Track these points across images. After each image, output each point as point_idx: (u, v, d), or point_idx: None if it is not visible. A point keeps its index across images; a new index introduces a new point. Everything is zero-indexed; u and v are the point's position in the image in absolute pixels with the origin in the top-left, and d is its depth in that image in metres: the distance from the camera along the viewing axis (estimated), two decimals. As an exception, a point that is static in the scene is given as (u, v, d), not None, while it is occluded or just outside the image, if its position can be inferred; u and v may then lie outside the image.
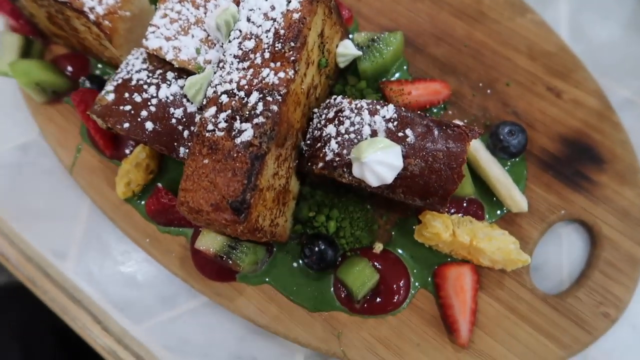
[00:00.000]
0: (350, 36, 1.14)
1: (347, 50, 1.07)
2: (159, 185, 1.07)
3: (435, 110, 1.13)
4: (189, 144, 0.98)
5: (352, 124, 0.93)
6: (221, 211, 0.85)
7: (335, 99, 0.99)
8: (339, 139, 0.93)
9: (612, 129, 1.10)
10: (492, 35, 1.19)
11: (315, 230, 1.05)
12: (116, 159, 1.15)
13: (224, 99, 0.90)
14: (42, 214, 1.20)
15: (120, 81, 1.01)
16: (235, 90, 0.90)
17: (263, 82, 0.89)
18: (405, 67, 1.17)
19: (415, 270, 1.04)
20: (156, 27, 0.97)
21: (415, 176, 0.90)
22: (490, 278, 1.03)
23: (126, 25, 1.06)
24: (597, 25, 1.25)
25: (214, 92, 0.92)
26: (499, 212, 1.06)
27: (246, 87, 0.90)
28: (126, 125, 0.97)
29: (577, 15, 1.26)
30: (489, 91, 1.14)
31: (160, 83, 0.99)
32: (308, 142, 0.99)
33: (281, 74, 0.89)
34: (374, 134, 0.92)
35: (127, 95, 0.99)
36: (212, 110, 0.90)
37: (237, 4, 0.99)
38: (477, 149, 1.04)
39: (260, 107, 0.88)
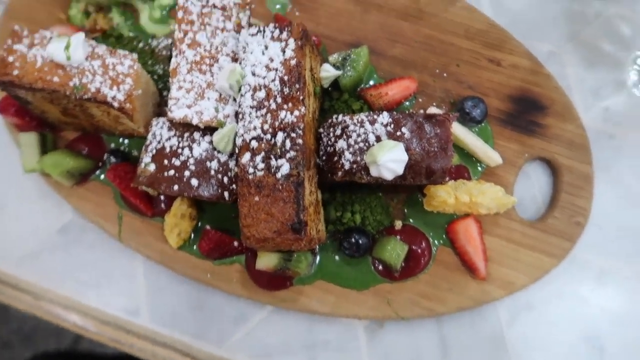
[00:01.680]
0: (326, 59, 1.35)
1: (328, 73, 1.28)
2: (207, 227, 1.25)
3: (407, 103, 1.37)
4: (232, 187, 1.16)
5: (358, 135, 1.15)
6: (284, 234, 1.06)
7: (337, 117, 1.21)
8: (351, 149, 1.15)
9: (545, 80, 1.38)
10: (434, 27, 1.43)
11: (345, 225, 1.28)
12: (158, 216, 1.31)
13: (254, 144, 1.10)
14: (102, 281, 1.35)
15: (154, 152, 1.17)
16: (261, 135, 1.10)
17: (283, 122, 1.09)
18: (374, 74, 1.40)
19: (431, 233, 1.29)
20: (176, 99, 1.14)
21: (418, 162, 1.14)
22: (489, 221, 1.30)
23: (139, 102, 1.22)
24: (510, -4, 1.52)
25: (243, 140, 1.11)
26: (480, 169, 1.33)
27: (270, 130, 1.10)
28: (175, 187, 1.14)
29: (492, -8, 1.53)
30: (445, 75, 1.39)
31: (191, 144, 1.16)
32: (323, 158, 1.21)
33: (296, 112, 1.09)
34: (378, 138, 1.14)
35: (166, 162, 1.16)
36: (247, 156, 1.10)
37: (235, 61, 1.17)
38: (454, 126, 1.29)
39: (288, 144, 1.08)
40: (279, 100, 1.10)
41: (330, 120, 1.22)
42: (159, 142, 1.18)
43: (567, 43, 1.47)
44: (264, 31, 1.14)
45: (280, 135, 1.09)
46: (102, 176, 1.35)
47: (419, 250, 1.27)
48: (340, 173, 1.17)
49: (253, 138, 1.10)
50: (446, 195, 1.21)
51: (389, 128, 1.15)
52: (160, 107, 1.38)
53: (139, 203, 1.29)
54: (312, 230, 1.12)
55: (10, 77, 1.12)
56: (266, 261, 1.20)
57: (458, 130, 1.30)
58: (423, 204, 1.29)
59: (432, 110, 1.32)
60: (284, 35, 1.13)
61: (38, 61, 1.13)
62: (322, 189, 1.29)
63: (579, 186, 1.32)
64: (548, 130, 1.35)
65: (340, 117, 1.20)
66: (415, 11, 1.45)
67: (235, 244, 1.26)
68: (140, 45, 1.44)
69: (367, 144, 1.14)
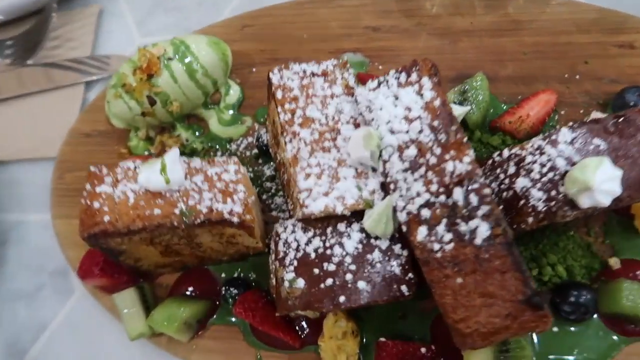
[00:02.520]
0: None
1: (457, 112, 1.06)
2: (381, 339, 0.96)
3: (550, 118, 1.14)
4: (408, 277, 0.89)
5: (542, 165, 0.90)
6: (521, 315, 0.77)
7: (499, 154, 0.96)
8: (538, 185, 0.89)
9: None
10: (538, 33, 1.24)
11: (548, 284, 0.99)
12: (308, 344, 1.02)
13: (426, 213, 0.84)
14: None
15: (296, 263, 0.91)
16: (432, 199, 0.85)
17: (454, 175, 0.84)
18: (495, 102, 1.18)
19: (658, 262, 1.00)
20: (308, 190, 0.90)
21: (630, 175, 0.88)
22: None
23: (255, 208, 0.98)
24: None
25: (408, 213, 0.86)
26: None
27: (440, 189, 0.84)
28: (342, 298, 0.86)
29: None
30: (577, 77, 1.18)
31: (339, 239, 0.91)
32: (501, 207, 0.95)
33: (466, 159, 0.85)
34: (569, 161, 0.89)
35: (317, 271, 0.89)
36: (422, 230, 0.84)
37: (358, 126, 0.95)
38: None
39: (474, 198, 0.82)
40: (437, 151, 0.86)
41: (491, 161, 0.98)
42: (297, 250, 0.93)
43: (688, 5, 1.27)
44: (387, 81, 0.93)
45: (458, 192, 0.83)
46: (220, 316, 1.08)
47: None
48: (531, 219, 0.90)
49: (421, 206, 0.85)
50: (670, 206, 0.93)
51: (577, 145, 0.90)
52: (264, 214, 1.15)
53: (283, 335, 1.00)
54: (538, 300, 0.83)
55: (101, 226, 0.89)
56: (478, 362, 0.89)
57: None
58: (628, 224, 1.01)
59: (596, 115, 1.08)
60: (414, 77, 0.91)
61: (130, 198, 0.91)
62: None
63: None
64: None
65: (505, 152, 0.96)
66: (509, 24, 1.27)
67: (423, 350, 0.96)
68: (219, 154, 1.23)
69: (556, 172, 0.89)
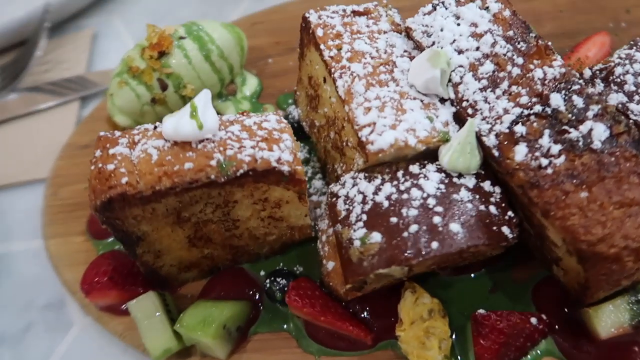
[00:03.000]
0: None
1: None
2: (480, 311, 0.75)
3: (608, 62, 1.03)
4: (507, 216, 0.71)
5: (636, 74, 0.77)
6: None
7: (580, 76, 0.84)
8: (637, 97, 0.76)
9: None
10: (570, -9, 1.18)
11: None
12: (383, 340, 0.80)
13: (521, 129, 0.69)
14: None
15: (365, 217, 0.73)
16: (525, 112, 0.70)
17: (547, 82, 0.71)
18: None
19: None
20: (370, 125, 0.74)
21: None
22: None
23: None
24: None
25: (497, 135, 0.71)
26: None
27: (534, 99, 0.70)
28: (435, 245, 0.67)
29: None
30: (623, 24, 1.10)
31: (415, 182, 0.73)
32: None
33: (556, 63, 0.72)
34: (665, 65, 0.77)
35: (394, 220, 0.71)
36: (522, 148, 0.68)
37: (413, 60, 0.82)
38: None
39: (577, 100, 0.68)
40: (519, 61, 0.74)
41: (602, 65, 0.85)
42: (363, 203, 0.74)
43: None
44: (443, 2, 0.82)
45: (556, 97, 0.69)
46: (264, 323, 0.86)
47: None
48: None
49: (512, 123, 0.70)
50: None
51: (669, 48, 0.79)
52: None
53: (351, 327, 0.78)
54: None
55: (118, 189, 0.70)
56: (612, 317, 0.69)
57: None
58: None
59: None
60: (473, -8, 0.81)
61: (153, 155, 0.73)
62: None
63: None
64: None
65: (587, 71, 0.83)
66: (537, -12, 1.21)
67: (534, 320, 0.75)
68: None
69: (656, 78, 0.76)
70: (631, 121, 0.66)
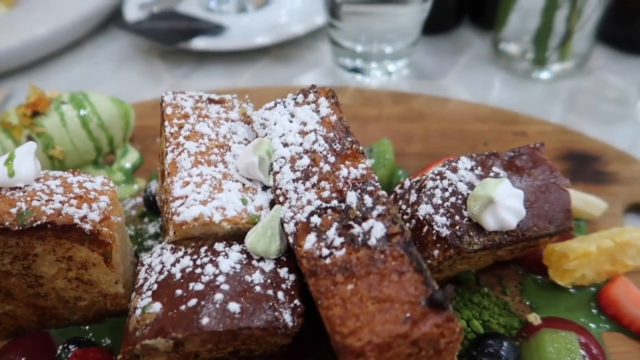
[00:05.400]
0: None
1: (360, 163, 1.01)
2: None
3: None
4: (294, 304, 0.72)
5: (444, 189, 0.84)
6: (423, 319, 0.61)
7: (401, 186, 0.90)
8: (441, 210, 0.82)
9: (579, 136, 1.24)
10: (442, 121, 1.30)
11: (464, 342, 0.82)
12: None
13: (316, 220, 0.73)
14: None
15: (155, 287, 0.73)
16: (323, 205, 0.74)
17: (349, 180, 0.76)
18: (400, 172, 1.15)
19: (582, 319, 0.87)
20: (182, 198, 0.77)
21: (534, 202, 0.83)
22: (636, 283, 0.93)
23: (119, 235, 0.82)
24: (485, 92, 1.48)
25: (296, 223, 0.74)
26: (580, 226, 1.03)
27: (333, 195, 0.75)
28: (205, 320, 0.67)
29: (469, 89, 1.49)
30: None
31: (214, 258, 0.75)
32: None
33: (361, 165, 0.78)
34: (470, 186, 0.84)
35: (179, 292, 0.71)
36: (312, 237, 0.71)
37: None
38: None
39: (368, 200, 0.73)
40: (331, 159, 0.79)
41: (393, 194, 0.90)
42: (160, 273, 0.74)
43: (568, 114, 1.40)
44: (284, 101, 0.90)
45: (351, 195, 0.74)
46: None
47: (588, 344, 0.82)
48: (437, 251, 0.80)
49: (311, 213, 0.74)
50: (584, 245, 0.86)
51: (477, 171, 0.86)
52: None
53: (128, 407, 0.73)
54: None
55: None
56: None
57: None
58: (545, 283, 0.91)
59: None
60: (311, 97, 0.89)
61: (-42, 194, 0.74)
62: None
63: None
64: (620, 175, 1.14)
65: (407, 182, 0.90)
66: (414, 113, 1.33)
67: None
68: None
69: (459, 195, 0.83)
70: (406, 225, 0.70)
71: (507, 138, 1.24)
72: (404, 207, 0.87)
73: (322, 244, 0.70)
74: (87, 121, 1.10)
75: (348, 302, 0.64)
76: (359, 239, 0.69)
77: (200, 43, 1.56)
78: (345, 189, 0.75)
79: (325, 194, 0.75)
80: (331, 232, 0.71)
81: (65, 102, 1.09)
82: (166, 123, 0.88)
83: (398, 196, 0.89)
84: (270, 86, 1.48)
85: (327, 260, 0.68)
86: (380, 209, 0.71)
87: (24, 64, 1.60)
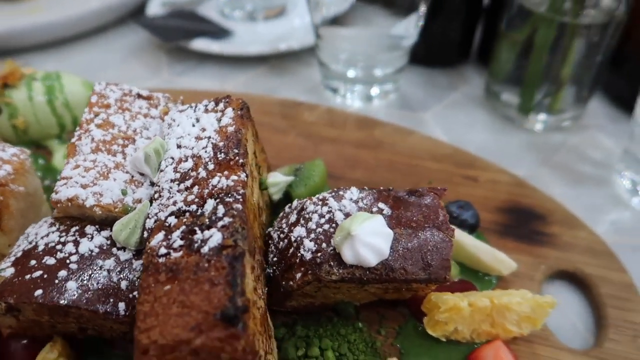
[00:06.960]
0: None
1: (277, 178, 1.03)
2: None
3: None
4: (131, 295, 0.75)
5: (321, 215, 0.84)
6: (209, 330, 0.62)
7: (290, 205, 0.91)
8: (312, 235, 0.82)
9: (533, 192, 1.18)
10: (395, 154, 1.28)
11: (312, 370, 0.82)
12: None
13: (172, 220, 0.76)
14: None
15: (20, 254, 0.79)
16: (183, 208, 0.77)
17: (215, 189, 0.78)
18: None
19: (446, 376, 0.84)
20: (67, 179, 0.83)
21: (407, 245, 0.81)
22: (523, 353, 0.88)
23: (19, 204, 0.89)
24: (463, 132, 1.44)
25: (157, 220, 0.77)
26: (491, 281, 0.98)
27: (196, 200, 0.78)
28: (38, 292, 0.72)
29: (446, 127, 1.46)
30: (420, 190, 1.17)
31: (78, 239, 0.80)
32: (275, 259, 0.85)
33: (234, 177, 0.80)
34: (347, 216, 0.83)
35: (33, 262, 0.76)
36: (160, 235, 0.74)
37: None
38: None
39: (221, 209, 0.75)
40: (210, 166, 0.82)
41: (282, 213, 0.92)
42: (30, 242, 0.81)
43: (541, 168, 1.34)
44: (196, 106, 0.94)
45: (209, 203, 0.76)
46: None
47: (434, 400, 0.79)
48: (299, 274, 0.80)
49: (171, 214, 0.77)
50: (456, 299, 0.83)
51: (360, 204, 0.86)
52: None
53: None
54: (256, 342, 0.68)
55: None
56: None
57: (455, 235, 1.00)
58: (424, 331, 0.88)
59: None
60: (220, 106, 0.92)
61: None
62: (276, 321, 0.88)
63: (624, 298, 0.97)
64: (558, 239, 1.08)
65: (295, 202, 0.90)
66: (372, 141, 1.32)
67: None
68: (47, 182, 1.17)
69: (333, 224, 0.82)
70: (240, 241, 0.71)
71: (456, 180, 1.21)
72: (283, 226, 0.88)
73: (165, 243, 0.73)
74: (53, 99, 1.20)
75: (157, 302, 0.66)
76: (196, 245, 0.71)
77: (199, 44, 1.65)
78: (207, 196, 0.78)
79: (190, 197, 0.78)
80: (176, 234, 0.73)
81: (37, 79, 1.20)
82: (86, 109, 0.94)
83: (284, 215, 0.90)
84: (252, 94, 1.53)
85: (162, 259, 0.71)
86: (227, 220, 0.73)
87: (46, 41, 1.76)
